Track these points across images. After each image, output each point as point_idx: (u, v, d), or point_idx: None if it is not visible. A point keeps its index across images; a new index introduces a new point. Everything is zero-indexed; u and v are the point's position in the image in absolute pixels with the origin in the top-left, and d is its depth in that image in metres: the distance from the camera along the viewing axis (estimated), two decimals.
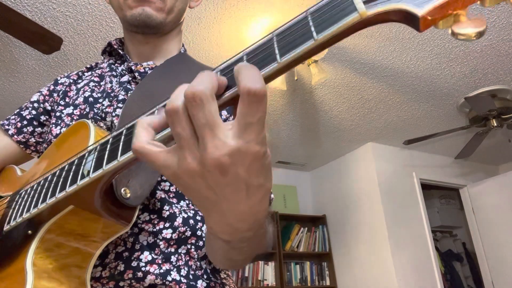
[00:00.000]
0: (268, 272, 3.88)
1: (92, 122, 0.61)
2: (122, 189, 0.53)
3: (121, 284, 0.58)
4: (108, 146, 0.46)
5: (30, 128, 0.84)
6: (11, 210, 0.60)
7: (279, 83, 2.57)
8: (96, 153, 0.47)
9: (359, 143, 4.11)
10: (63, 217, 0.52)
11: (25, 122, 0.84)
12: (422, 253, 3.82)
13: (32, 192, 0.57)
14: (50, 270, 0.51)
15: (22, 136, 0.84)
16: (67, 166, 0.52)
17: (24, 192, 0.60)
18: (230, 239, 0.41)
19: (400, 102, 3.35)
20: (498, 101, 3.21)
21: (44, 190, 0.54)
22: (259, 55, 0.35)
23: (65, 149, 0.60)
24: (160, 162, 0.35)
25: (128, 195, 0.53)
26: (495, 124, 3.30)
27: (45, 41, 2.05)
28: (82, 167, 0.48)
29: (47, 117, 0.84)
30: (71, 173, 0.50)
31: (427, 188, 4.57)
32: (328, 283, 4.15)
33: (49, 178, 0.55)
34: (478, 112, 3.24)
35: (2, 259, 0.54)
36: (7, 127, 0.85)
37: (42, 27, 2.00)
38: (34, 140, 0.84)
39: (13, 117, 0.86)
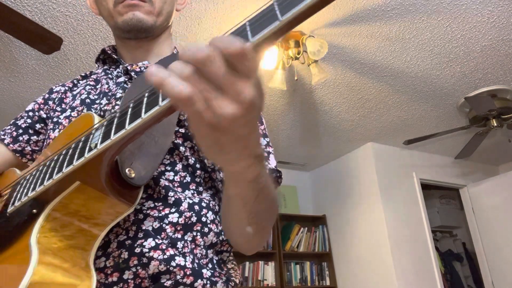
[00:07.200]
0: (268, 272, 3.88)
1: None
2: (127, 169, 0.55)
3: (126, 274, 0.58)
4: (116, 120, 0.47)
5: (26, 137, 0.84)
6: (15, 193, 0.60)
7: (279, 83, 2.57)
8: (103, 128, 0.49)
9: (359, 143, 4.11)
10: (69, 195, 0.52)
11: (20, 131, 0.84)
12: (422, 253, 3.82)
13: (38, 173, 0.57)
14: (54, 249, 0.51)
15: (18, 144, 0.84)
16: (73, 145, 0.53)
17: (29, 175, 0.60)
18: (258, 170, 0.45)
19: (400, 102, 3.35)
20: (498, 101, 3.21)
21: (50, 169, 0.54)
22: (261, 19, 0.37)
23: (70, 138, 0.60)
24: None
25: (133, 175, 0.55)
26: (495, 124, 3.30)
27: (45, 41, 2.05)
28: (89, 142, 0.50)
29: (43, 125, 0.85)
30: (78, 149, 0.51)
31: (427, 188, 4.57)
32: (328, 283, 4.15)
33: (55, 158, 0.55)
34: (478, 112, 3.24)
35: (7, 240, 0.54)
36: (2, 137, 0.85)
37: (42, 27, 2.00)
38: (30, 149, 0.84)
39: (9, 127, 0.86)
